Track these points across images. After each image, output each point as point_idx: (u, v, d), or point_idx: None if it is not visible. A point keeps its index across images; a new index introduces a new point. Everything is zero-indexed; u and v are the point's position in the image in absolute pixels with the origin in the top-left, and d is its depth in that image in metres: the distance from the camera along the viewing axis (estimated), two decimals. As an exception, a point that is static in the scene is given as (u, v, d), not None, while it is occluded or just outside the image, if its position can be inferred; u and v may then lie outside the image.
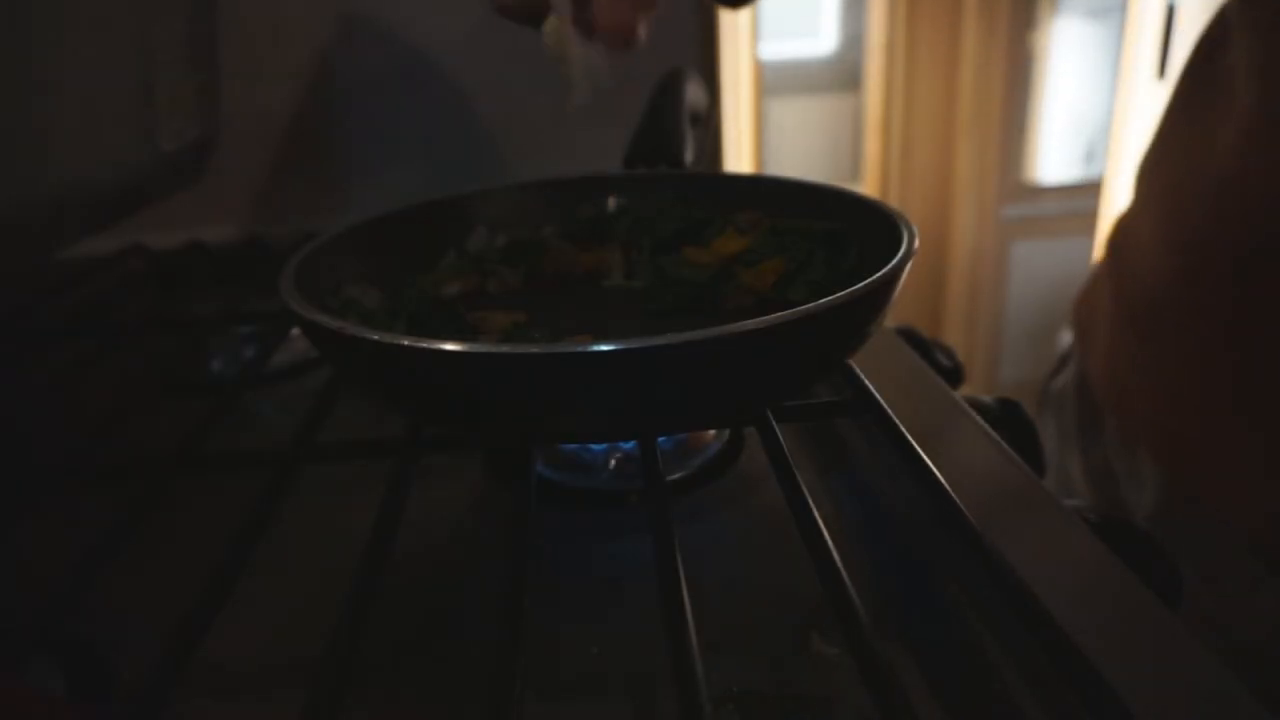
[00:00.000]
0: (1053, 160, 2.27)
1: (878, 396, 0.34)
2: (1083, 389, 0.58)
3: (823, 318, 0.27)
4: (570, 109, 0.37)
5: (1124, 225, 0.56)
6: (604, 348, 0.25)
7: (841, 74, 3.00)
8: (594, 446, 0.37)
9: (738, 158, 2.27)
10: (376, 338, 0.26)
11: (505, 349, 0.25)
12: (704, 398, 0.28)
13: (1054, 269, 2.27)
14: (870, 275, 0.29)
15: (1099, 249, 1.50)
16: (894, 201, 1.86)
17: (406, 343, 0.26)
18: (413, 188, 0.79)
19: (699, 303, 0.39)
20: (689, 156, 0.52)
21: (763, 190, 0.45)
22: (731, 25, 2.08)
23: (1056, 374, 0.65)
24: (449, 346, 0.25)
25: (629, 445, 0.36)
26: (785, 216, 0.43)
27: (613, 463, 0.37)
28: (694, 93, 0.57)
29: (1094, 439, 0.56)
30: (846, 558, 0.24)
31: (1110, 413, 0.53)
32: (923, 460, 0.29)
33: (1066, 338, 0.66)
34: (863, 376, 0.35)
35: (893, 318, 0.39)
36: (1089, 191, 1.82)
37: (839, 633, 0.27)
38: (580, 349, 0.25)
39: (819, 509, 0.26)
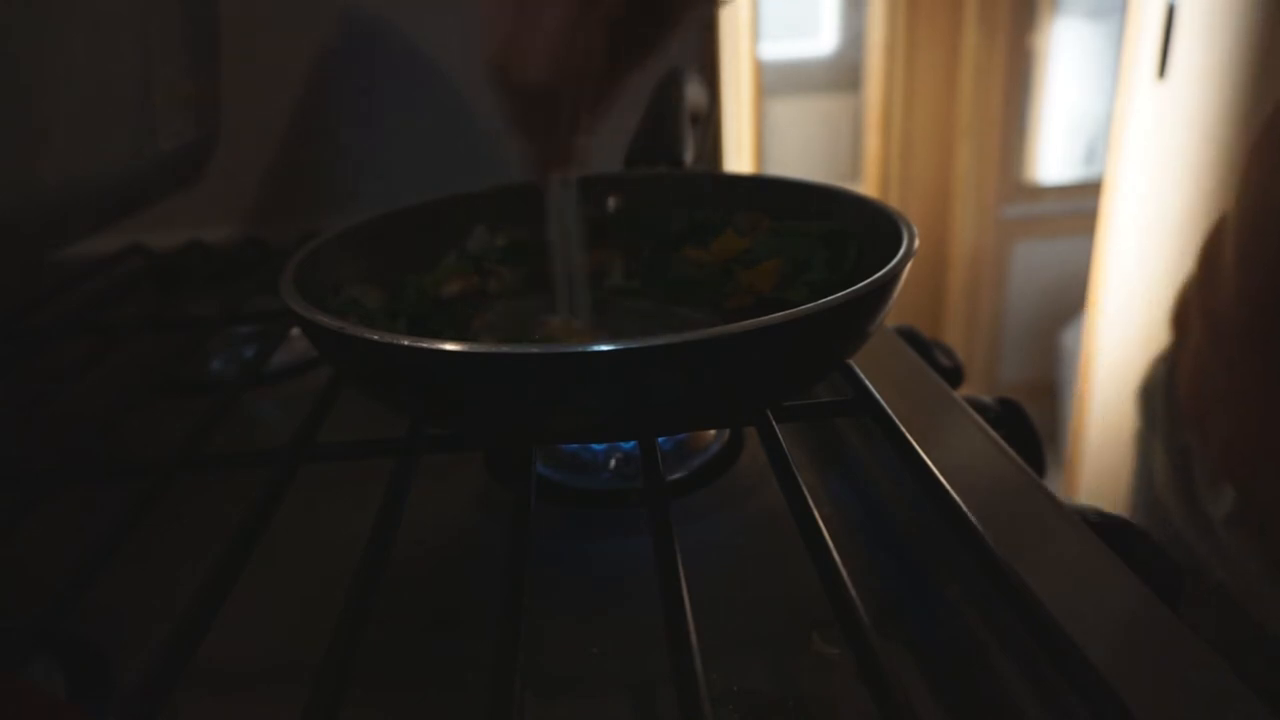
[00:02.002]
0: (1053, 160, 2.28)
1: (878, 396, 0.34)
2: (1172, 380, 0.56)
3: (822, 318, 0.27)
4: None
5: (1217, 232, 0.53)
6: (604, 348, 0.25)
7: (841, 74, 3.00)
8: (594, 446, 0.37)
9: (738, 158, 2.27)
10: (376, 338, 0.26)
11: (505, 349, 0.25)
12: (704, 398, 0.28)
13: (1054, 269, 2.27)
14: (870, 275, 0.29)
15: (1099, 249, 1.50)
16: (894, 201, 1.86)
17: (406, 343, 0.26)
18: (413, 188, 0.79)
19: (699, 303, 0.39)
20: (689, 156, 0.52)
21: (763, 190, 0.45)
22: (731, 25, 2.08)
23: (1157, 365, 0.63)
24: (449, 346, 0.25)
25: (629, 445, 0.36)
26: (785, 217, 0.43)
27: (613, 463, 0.37)
28: (694, 93, 0.57)
29: (1178, 428, 0.55)
30: (846, 558, 0.24)
31: (1191, 425, 0.52)
32: (923, 460, 0.29)
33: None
34: (863, 376, 0.35)
35: (893, 318, 0.39)
36: (1089, 191, 1.82)
37: (839, 633, 0.27)
38: (580, 349, 0.25)
39: (819, 509, 0.26)
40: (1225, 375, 0.48)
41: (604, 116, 0.37)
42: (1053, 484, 0.34)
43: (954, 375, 0.46)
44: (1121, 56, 1.38)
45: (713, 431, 0.39)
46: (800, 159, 3.09)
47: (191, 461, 0.34)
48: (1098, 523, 0.31)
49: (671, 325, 0.38)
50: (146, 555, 0.32)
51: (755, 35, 2.23)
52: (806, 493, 0.27)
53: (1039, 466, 0.37)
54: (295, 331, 0.49)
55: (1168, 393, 0.57)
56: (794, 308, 0.26)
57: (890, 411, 0.32)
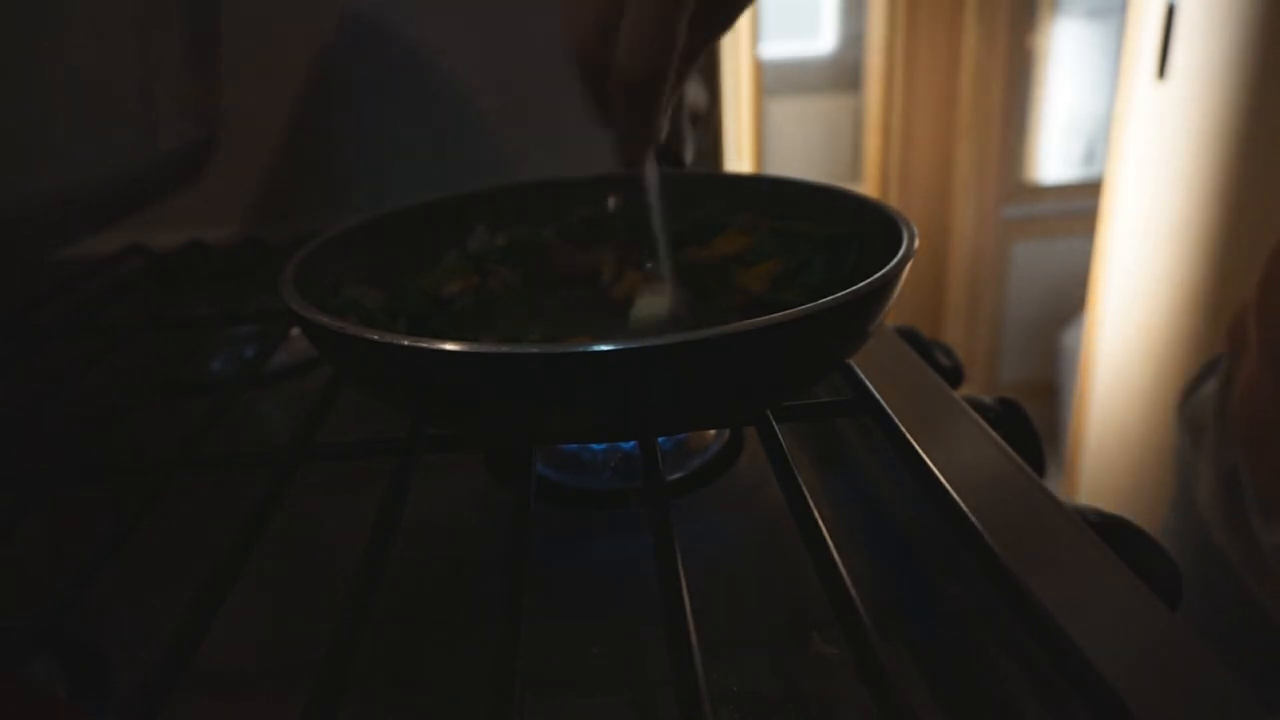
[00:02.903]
0: (1053, 160, 2.28)
1: (878, 396, 0.34)
2: (1226, 397, 0.55)
3: (822, 318, 0.27)
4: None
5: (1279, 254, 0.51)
6: (603, 348, 0.25)
7: (841, 74, 3.00)
8: (594, 446, 0.37)
9: (738, 158, 2.27)
10: (376, 338, 0.26)
11: (505, 349, 0.25)
12: (704, 398, 0.28)
13: (1054, 269, 2.28)
14: (870, 276, 0.29)
15: (1099, 249, 1.50)
16: (894, 201, 1.86)
17: (406, 343, 0.26)
18: (413, 188, 0.79)
19: (698, 302, 0.39)
20: (689, 156, 0.52)
21: (762, 190, 0.45)
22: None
23: (1204, 377, 0.61)
24: (449, 346, 0.25)
25: (629, 445, 0.36)
26: (786, 217, 0.43)
27: (613, 463, 0.37)
28: (694, 93, 0.56)
29: (1227, 447, 0.54)
30: (846, 558, 0.24)
31: (1242, 448, 0.51)
32: (923, 460, 0.29)
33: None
34: (863, 376, 0.35)
35: (893, 318, 0.39)
36: (1089, 191, 1.83)
37: (839, 633, 0.27)
38: (580, 349, 0.25)
39: (819, 509, 0.26)
40: (1277, 401, 0.47)
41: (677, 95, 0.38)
42: (1053, 484, 0.34)
43: (954, 375, 0.46)
44: (1121, 56, 1.38)
45: (713, 431, 0.39)
46: (800, 159, 3.10)
47: (191, 461, 0.34)
48: (1098, 523, 0.31)
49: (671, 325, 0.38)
50: (146, 555, 0.32)
51: (755, 35, 2.23)
52: (806, 493, 0.27)
53: (1039, 466, 0.37)
54: (295, 331, 0.49)
55: (1219, 411, 0.56)
56: (790, 308, 0.26)
57: (890, 411, 0.32)
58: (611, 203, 0.48)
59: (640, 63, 0.33)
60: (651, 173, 0.40)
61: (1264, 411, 0.49)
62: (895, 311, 0.33)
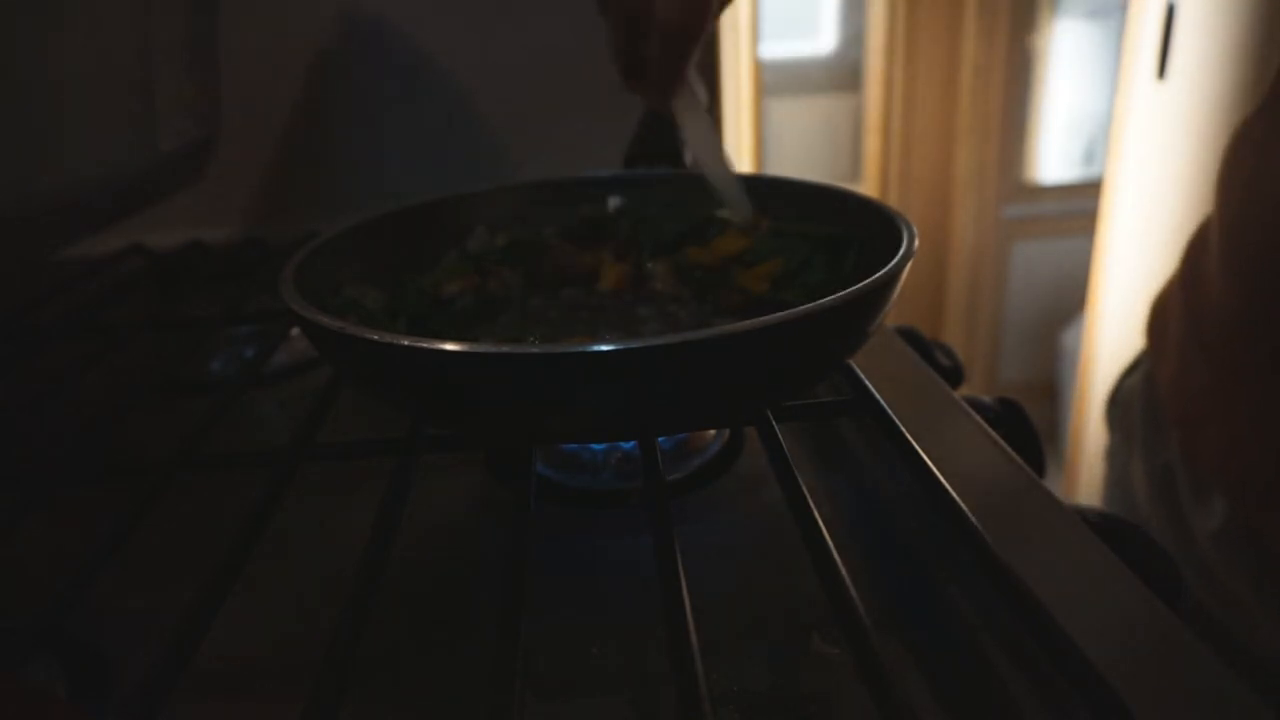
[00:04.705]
0: (1053, 160, 2.28)
1: (878, 396, 0.34)
2: (1150, 392, 0.56)
3: (822, 318, 0.27)
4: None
5: (1201, 236, 0.52)
6: (603, 348, 0.25)
7: (841, 74, 3.00)
8: (594, 446, 0.37)
9: (738, 158, 2.27)
10: (376, 338, 0.26)
11: (505, 349, 0.25)
12: (704, 397, 0.28)
13: (1054, 269, 2.27)
14: (869, 276, 0.29)
15: (1099, 249, 1.50)
16: (894, 201, 1.86)
17: (406, 343, 0.26)
18: (413, 188, 0.79)
19: (698, 302, 0.39)
20: (689, 157, 0.52)
21: (762, 190, 0.45)
22: (731, 25, 2.08)
23: (1127, 376, 0.62)
24: (449, 346, 0.25)
25: (629, 445, 0.36)
26: (785, 217, 0.43)
27: (613, 463, 0.37)
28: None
29: (1158, 444, 0.54)
30: (846, 558, 0.24)
31: (1177, 432, 0.51)
32: (923, 460, 0.29)
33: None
34: (863, 376, 0.35)
35: (893, 318, 0.39)
36: (1089, 191, 1.82)
37: (839, 633, 0.27)
38: (580, 349, 0.25)
39: (819, 509, 0.26)
40: (1215, 381, 0.47)
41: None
42: (1053, 484, 0.34)
43: (954, 375, 0.46)
44: (1121, 56, 1.38)
45: (713, 431, 0.39)
46: (800, 159, 3.09)
47: (191, 461, 0.34)
48: (1098, 523, 0.31)
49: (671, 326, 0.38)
50: (146, 555, 0.32)
51: (755, 35, 2.23)
52: (806, 493, 0.27)
53: (1039, 466, 0.37)
54: (295, 331, 0.49)
55: (1146, 405, 0.56)
56: (790, 308, 0.26)
57: (890, 411, 0.32)
58: (611, 203, 0.48)
59: (678, 16, 0.38)
60: (686, 113, 0.44)
61: (1197, 395, 0.49)
62: (895, 311, 0.33)
